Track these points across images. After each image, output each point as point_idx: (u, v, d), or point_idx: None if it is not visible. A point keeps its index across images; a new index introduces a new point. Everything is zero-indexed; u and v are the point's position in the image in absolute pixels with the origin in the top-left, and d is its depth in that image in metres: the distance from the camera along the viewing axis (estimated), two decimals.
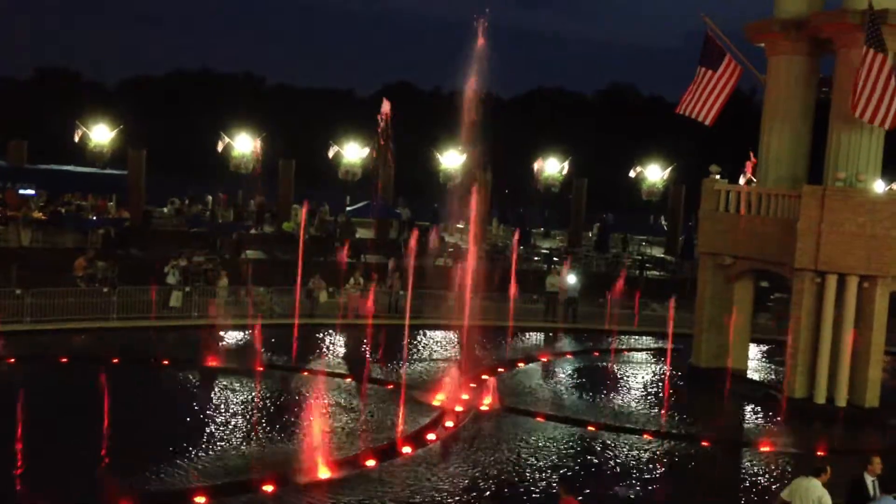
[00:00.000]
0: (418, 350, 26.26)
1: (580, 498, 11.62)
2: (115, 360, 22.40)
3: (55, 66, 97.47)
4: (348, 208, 44.61)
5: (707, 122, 25.42)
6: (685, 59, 33.67)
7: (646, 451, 18.61)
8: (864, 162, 23.23)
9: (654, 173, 50.70)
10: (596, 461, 17.70)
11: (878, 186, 25.12)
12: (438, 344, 27.36)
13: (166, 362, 22.85)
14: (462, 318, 23.92)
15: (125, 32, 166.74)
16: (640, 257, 43.07)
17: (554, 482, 15.70)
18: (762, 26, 25.75)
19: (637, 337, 30.84)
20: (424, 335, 28.01)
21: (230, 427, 17.94)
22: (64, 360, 22.54)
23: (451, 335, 27.46)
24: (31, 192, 46.95)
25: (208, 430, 17.56)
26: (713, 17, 25.49)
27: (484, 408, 20.55)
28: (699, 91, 25.25)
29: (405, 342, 24.47)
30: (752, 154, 26.30)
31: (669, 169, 51.27)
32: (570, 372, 25.48)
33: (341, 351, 25.77)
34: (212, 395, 20.25)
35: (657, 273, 40.73)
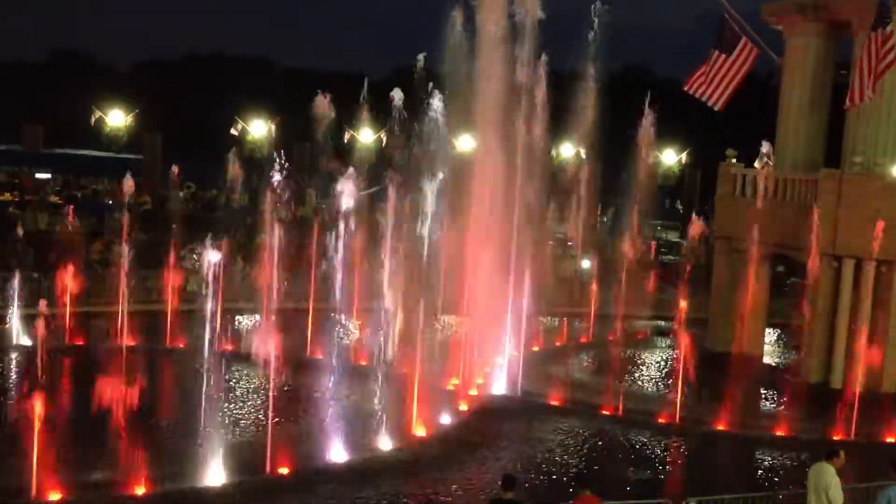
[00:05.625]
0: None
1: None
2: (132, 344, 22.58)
3: (69, 48, 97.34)
4: (361, 192, 44.55)
5: (717, 107, 25.22)
6: (699, 41, 33.40)
7: (657, 436, 18.63)
8: (882, 146, 23.03)
9: (670, 157, 50.46)
10: (609, 446, 17.73)
11: None
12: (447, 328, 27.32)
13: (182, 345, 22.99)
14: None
15: (138, 15, 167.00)
16: (654, 241, 42.90)
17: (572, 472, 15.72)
18: (780, 8, 25.52)
19: (652, 321, 30.76)
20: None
21: (249, 413, 18.06)
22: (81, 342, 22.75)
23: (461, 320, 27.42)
24: (47, 175, 47.31)
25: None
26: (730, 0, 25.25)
27: (499, 392, 20.60)
28: (711, 74, 25.02)
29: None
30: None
31: (685, 153, 51.03)
32: (582, 357, 25.48)
33: (352, 337, 25.87)
34: (229, 380, 20.35)
35: (672, 257, 40.59)
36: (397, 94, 24.05)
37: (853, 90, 21.47)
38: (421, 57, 23.63)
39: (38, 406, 13.81)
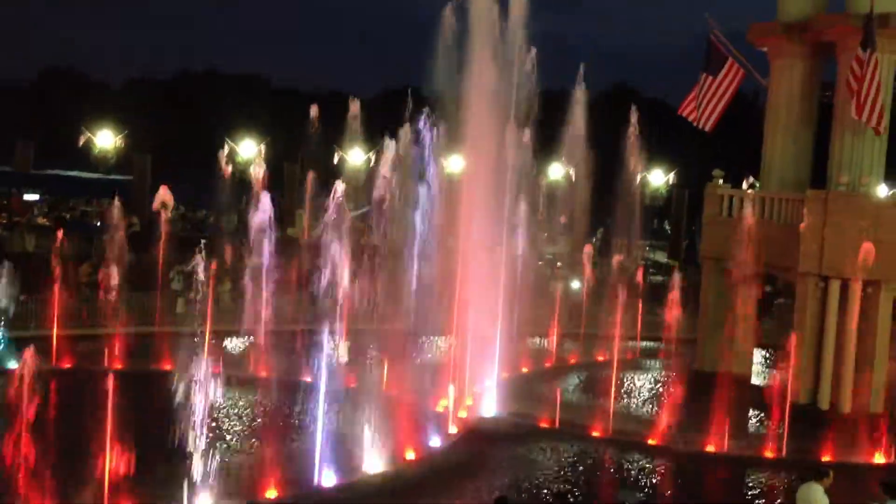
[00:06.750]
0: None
1: None
2: (120, 367, 22.46)
3: (60, 68, 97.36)
4: (353, 213, 44.56)
5: (707, 129, 25.49)
6: (688, 63, 33.72)
7: (647, 457, 18.63)
8: (868, 166, 23.22)
9: (658, 177, 50.71)
10: (599, 468, 17.73)
11: (882, 191, 25.12)
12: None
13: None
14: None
15: (131, 33, 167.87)
16: (643, 262, 43.02)
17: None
18: (765, 29, 25.75)
19: (641, 342, 30.79)
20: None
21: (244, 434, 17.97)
22: (68, 366, 22.60)
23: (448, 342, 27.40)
24: (35, 197, 47.19)
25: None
26: (717, 20, 25.54)
27: (488, 414, 20.57)
28: (700, 96, 25.31)
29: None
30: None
31: (672, 173, 51.30)
32: (571, 378, 25.48)
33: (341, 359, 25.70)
34: (217, 403, 20.22)
35: (660, 278, 40.67)
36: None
37: (868, 108, 21.56)
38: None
39: (23, 431, 13.73)
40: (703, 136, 30.52)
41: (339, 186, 22.17)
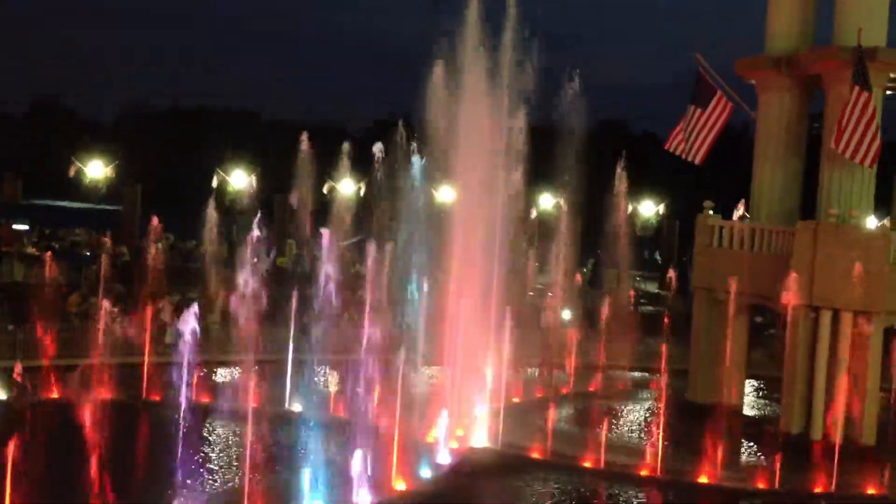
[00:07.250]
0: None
1: None
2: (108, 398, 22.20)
3: (51, 101, 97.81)
4: (342, 243, 44.55)
5: (697, 161, 25.63)
6: (674, 97, 34.03)
7: (640, 489, 18.50)
8: (857, 198, 23.37)
9: (648, 209, 50.95)
10: (592, 500, 17.59)
11: (871, 222, 25.26)
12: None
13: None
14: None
15: (122, 67, 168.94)
16: (634, 292, 43.00)
17: None
18: (753, 63, 26.02)
19: (633, 372, 30.69)
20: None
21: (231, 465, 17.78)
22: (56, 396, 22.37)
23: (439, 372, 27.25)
24: (24, 227, 47.03)
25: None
26: (705, 54, 25.79)
27: (479, 444, 20.41)
28: (689, 130, 25.47)
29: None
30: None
31: (662, 204, 51.55)
32: (563, 409, 25.32)
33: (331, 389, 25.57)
34: (205, 434, 20.07)
35: (651, 308, 40.69)
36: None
37: (845, 139, 21.70)
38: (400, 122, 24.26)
39: (10, 462, 13.54)
40: (693, 168, 30.73)
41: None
